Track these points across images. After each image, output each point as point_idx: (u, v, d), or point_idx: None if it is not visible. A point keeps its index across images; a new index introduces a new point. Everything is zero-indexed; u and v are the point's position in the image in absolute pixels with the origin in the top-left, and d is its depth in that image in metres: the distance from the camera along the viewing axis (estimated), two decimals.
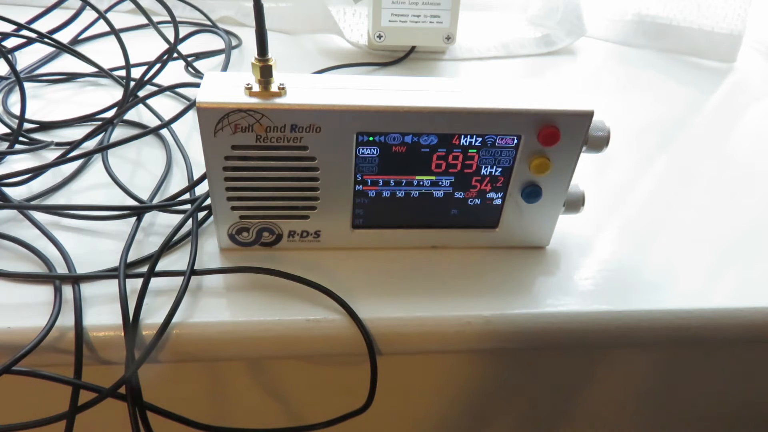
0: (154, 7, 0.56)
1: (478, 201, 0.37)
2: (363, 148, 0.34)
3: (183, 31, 0.60)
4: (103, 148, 0.42)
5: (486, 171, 0.35)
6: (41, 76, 0.57)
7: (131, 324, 0.32)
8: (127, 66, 0.49)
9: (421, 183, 0.36)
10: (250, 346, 0.34)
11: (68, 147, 0.43)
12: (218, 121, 0.31)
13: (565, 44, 0.73)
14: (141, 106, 0.53)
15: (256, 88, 0.31)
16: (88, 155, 0.44)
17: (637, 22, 0.75)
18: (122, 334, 0.32)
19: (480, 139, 0.34)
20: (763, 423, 0.51)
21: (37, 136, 0.48)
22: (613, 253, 0.40)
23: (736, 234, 0.43)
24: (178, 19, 0.53)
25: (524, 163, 0.35)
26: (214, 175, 0.34)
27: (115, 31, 0.51)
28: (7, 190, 0.41)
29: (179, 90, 0.55)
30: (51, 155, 0.45)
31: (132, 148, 0.47)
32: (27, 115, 0.47)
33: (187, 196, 0.41)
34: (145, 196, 0.42)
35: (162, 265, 0.36)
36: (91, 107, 0.51)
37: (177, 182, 0.44)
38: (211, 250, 0.38)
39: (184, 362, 0.35)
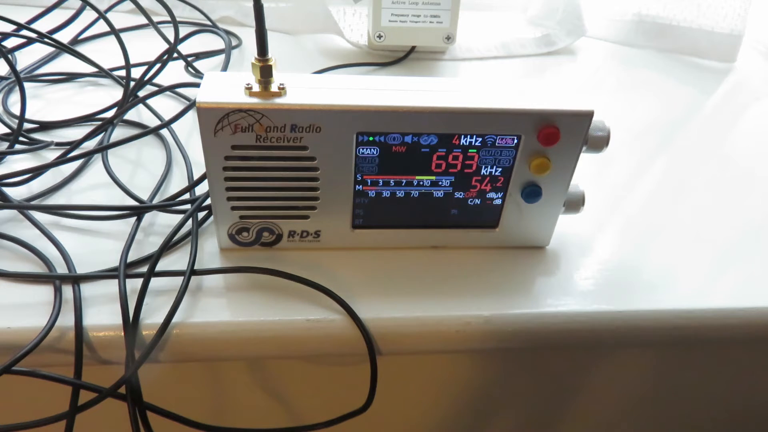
0: (154, 7, 0.56)
1: (478, 201, 0.37)
2: (363, 148, 0.34)
3: (183, 31, 0.60)
4: (103, 148, 0.42)
5: (486, 171, 0.35)
6: (41, 76, 0.57)
7: (131, 324, 0.32)
8: (127, 66, 0.49)
9: (421, 183, 0.36)
10: (250, 346, 0.34)
11: (68, 147, 0.43)
12: (218, 121, 0.31)
13: (565, 44, 0.73)
14: (141, 106, 0.53)
15: (256, 88, 0.31)
16: (88, 155, 0.44)
17: (637, 22, 0.75)
18: (122, 334, 0.32)
19: (480, 139, 0.34)
20: (763, 423, 0.51)
21: (37, 136, 0.48)
22: (613, 253, 0.40)
23: (736, 234, 0.43)
24: (178, 19, 0.53)
25: (524, 163, 0.35)
26: (214, 175, 0.34)
27: (115, 31, 0.51)
28: (7, 190, 0.41)
29: (179, 90, 0.55)
30: (51, 155, 0.45)
31: (132, 148, 0.47)
32: (27, 115, 0.47)
33: (187, 196, 0.41)
34: (145, 196, 0.42)
35: (162, 265, 0.36)
36: (91, 107, 0.51)
37: (177, 182, 0.44)
38: (211, 250, 0.38)
39: (184, 362, 0.35)
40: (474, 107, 0.33)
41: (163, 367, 0.34)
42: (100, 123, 0.46)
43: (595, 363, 0.43)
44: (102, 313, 0.33)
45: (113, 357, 0.32)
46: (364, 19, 0.70)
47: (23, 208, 0.39)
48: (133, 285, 0.34)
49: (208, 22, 0.66)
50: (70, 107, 0.52)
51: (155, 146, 0.48)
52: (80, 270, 0.35)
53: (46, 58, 0.59)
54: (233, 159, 0.33)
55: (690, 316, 0.36)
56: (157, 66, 0.52)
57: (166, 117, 0.51)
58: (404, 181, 0.36)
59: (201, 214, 0.39)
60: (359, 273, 0.37)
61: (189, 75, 0.59)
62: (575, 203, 0.38)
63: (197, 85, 0.54)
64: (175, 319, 0.32)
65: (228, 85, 0.32)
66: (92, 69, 0.55)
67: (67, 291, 0.34)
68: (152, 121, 0.51)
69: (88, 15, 0.55)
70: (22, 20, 0.47)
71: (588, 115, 0.33)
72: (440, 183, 0.36)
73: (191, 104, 0.40)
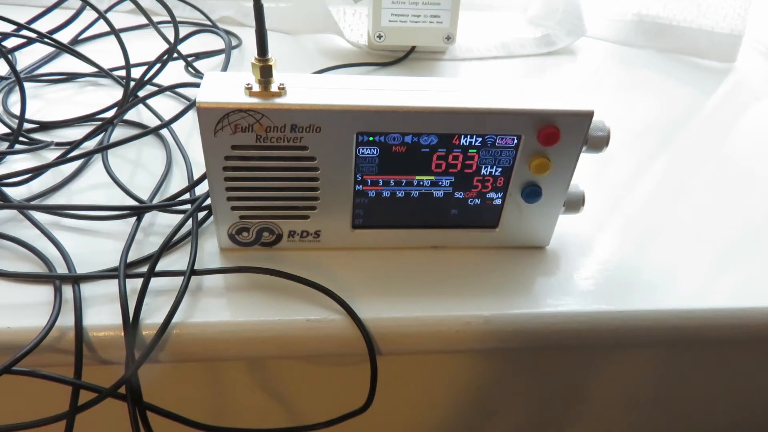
0: (154, 7, 0.56)
1: (478, 201, 0.37)
2: (363, 148, 0.34)
3: (183, 31, 0.60)
4: (103, 148, 0.42)
5: (486, 171, 0.35)
6: (41, 76, 0.57)
7: (131, 324, 0.32)
8: (127, 66, 0.49)
9: (421, 183, 0.36)
10: (250, 346, 0.34)
11: (68, 147, 0.43)
12: (218, 121, 0.31)
13: (565, 44, 0.73)
14: (141, 106, 0.53)
15: (256, 88, 0.31)
16: (88, 155, 0.44)
17: (637, 22, 0.75)
18: (122, 334, 0.32)
19: (480, 139, 0.34)
20: (763, 423, 0.51)
21: (37, 136, 0.48)
22: (613, 253, 0.40)
23: (736, 234, 0.43)
24: (178, 19, 0.53)
25: (524, 163, 0.35)
26: (214, 175, 0.34)
27: (115, 31, 0.51)
28: (7, 190, 0.41)
29: (179, 90, 0.55)
30: (51, 155, 0.45)
31: (132, 148, 0.47)
32: (27, 115, 0.47)
33: (187, 196, 0.41)
34: (145, 196, 0.42)
35: (162, 265, 0.36)
36: (91, 107, 0.51)
37: (177, 182, 0.44)
38: (211, 250, 0.38)
39: (184, 362, 0.35)
40: (474, 107, 0.33)
41: (163, 367, 0.34)
42: (100, 123, 0.46)
43: (596, 363, 0.43)
44: (102, 313, 0.33)
45: (113, 357, 0.32)
46: (364, 19, 0.70)
47: (23, 208, 0.39)
48: (133, 285, 0.34)
49: (208, 22, 0.66)
50: (70, 107, 0.52)
51: (155, 146, 0.48)
52: (80, 270, 0.35)
53: (46, 58, 0.59)
54: (233, 159, 0.33)
55: (690, 316, 0.36)
56: (157, 66, 0.52)
57: (166, 117, 0.51)
58: (404, 181, 0.36)
59: (201, 214, 0.39)
60: (359, 273, 0.37)
61: (189, 75, 0.59)
62: (575, 203, 0.38)
63: (197, 85, 0.54)
64: (175, 319, 0.32)
65: (228, 85, 0.32)
66: (92, 69, 0.55)
67: (67, 291, 0.34)
68: (152, 121, 0.51)
69: (88, 15, 0.55)
70: (22, 20, 0.47)
71: (588, 115, 0.33)
72: (440, 183, 0.36)
73: (191, 104, 0.40)
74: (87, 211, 0.39)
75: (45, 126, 0.49)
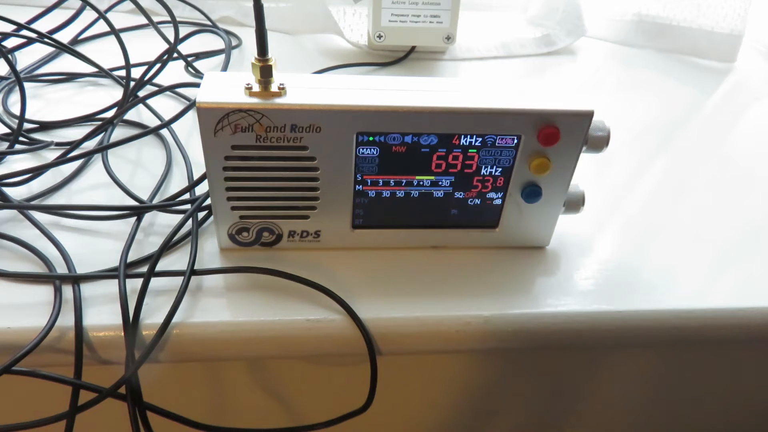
0: (154, 7, 0.56)
1: (478, 201, 0.37)
2: (363, 148, 0.34)
3: (183, 31, 0.60)
4: (103, 148, 0.42)
5: (486, 171, 0.35)
6: (41, 76, 0.57)
7: (131, 324, 0.32)
8: (127, 66, 0.49)
9: (421, 183, 0.36)
10: (250, 346, 0.34)
11: (68, 147, 0.43)
12: (218, 121, 0.31)
13: (565, 44, 0.73)
14: (141, 106, 0.53)
15: (256, 88, 0.31)
16: (88, 155, 0.44)
17: (637, 22, 0.75)
18: (122, 334, 0.32)
19: (480, 139, 0.34)
20: (763, 423, 0.51)
21: (37, 136, 0.48)
22: (613, 253, 0.40)
23: (736, 234, 0.43)
24: (178, 19, 0.53)
25: (524, 163, 0.35)
26: (214, 175, 0.34)
27: (115, 31, 0.51)
28: (7, 190, 0.41)
29: (179, 90, 0.55)
30: (51, 155, 0.45)
31: (132, 148, 0.47)
32: (27, 115, 0.47)
33: (187, 196, 0.41)
34: (145, 196, 0.42)
35: (162, 265, 0.36)
36: (91, 107, 0.51)
37: (177, 182, 0.44)
38: (211, 250, 0.38)
39: (184, 362, 0.35)
40: (474, 107, 0.33)
41: (163, 367, 0.34)
42: (100, 123, 0.46)
43: (596, 363, 0.43)
44: (102, 313, 0.33)
45: (113, 357, 0.32)
46: (364, 19, 0.70)
47: (23, 208, 0.39)
48: (133, 285, 0.34)
49: (208, 22, 0.66)
50: (70, 107, 0.52)
51: (155, 146, 0.48)
52: (80, 270, 0.35)
53: (46, 58, 0.59)
54: (233, 159, 0.33)
55: (690, 316, 0.36)
56: (157, 66, 0.52)
57: (166, 117, 0.51)
58: (404, 181, 0.36)
59: (201, 214, 0.39)
60: (359, 273, 0.37)
61: (189, 75, 0.59)
62: (575, 203, 0.38)
63: (197, 85, 0.54)
64: (175, 319, 0.32)
65: (228, 85, 0.32)
66: (92, 69, 0.55)
67: (67, 291, 0.34)
68: (152, 121, 0.51)
69: (88, 15, 0.55)
70: (22, 20, 0.47)
71: (588, 115, 0.33)
72: (440, 183, 0.36)
73: (191, 104, 0.40)
74: (87, 211, 0.39)
75: (45, 126, 0.49)
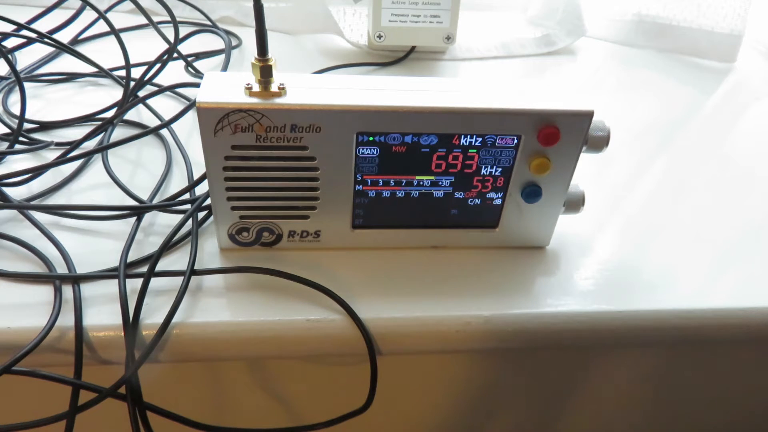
0: (154, 7, 0.56)
1: (478, 201, 0.37)
2: (363, 148, 0.34)
3: (183, 31, 0.60)
4: (103, 148, 0.42)
5: (486, 171, 0.35)
6: (41, 76, 0.57)
7: (131, 324, 0.32)
8: (127, 66, 0.49)
9: (421, 183, 0.36)
10: (250, 346, 0.34)
11: (68, 147, 0.43)
12: (218, 121, 0.31)
13: (565, 44, 0.73)
14: (141, 106, 0.53)
15: (256, 88, 0.31)
16: (88, 155, 0.44)
17: (637, 22, 0.75)
18: (122, 334, 0.32)
19: (480, 139, 0.34)
20: (764, 423, 0.51)
21: (37, 136, 0.48)
22: (613, 253, 0.40)
23: (736, 234, 0.43)
24: (178, 19, 0.53)
25: (524, 163, 0.35)
26: (214, 175, 0.34)
27: (115, 31, 0.51)
28: (7, 190, 0.41)
29: (179, 90, 0.55)
30: (51, 155, 0.45)
31: (132, 148, 0.47)
32: (27, 115, 0.47)
33: (187, 196, 0.41)
34: (145, 196, 0.42)
35: (162, 265, 0.36)
36: (91, 107, 0.51)
37: (177, 182, 0.44)
38: (211, 250, 0.38)
39: (184, 362, 0.35)
40: (474, 107, 0.33)
41: (163, 367, 0.34)
42: (100, 123, 0.46)
43: (596, 363, 0.43)
44: (102, 313, 0.33)
45: (113, 357, 0.32)
46: (364, 19, 0.70)
47: (23, 208, 0.39)
48: (133, 285, 0.34)
49: (208, 22, 0.66)
50: (70, 107, 0.52)
51: (155, 146, 0.48)
52: (80, 270, 0.35)
53: (46, 58, 0.59)
54: (233, 159, 0.33)
55: (690, 316, 0.36)
56: (157, 66, 0.52)
57: (166, 117, 0.51)
58: (404, 181, 0.36)
59: (201, 214, 0.39)
60: (359, 273, 0.37)
61: (189, 75, 0.59)
62: (575, 203, 0.38)
63: (197, 85, 0.54)
64: (175, 319, 0.32)
65: (228, 85, 0.32)
66: (92, 69, 0.55)
67: (67, 291, 0.34)
68: (152, 121, 0.51)
69: (88, 15, 0.55)
70: (22, 20, 0.47)
71: (588, 115, 0.33)
72: (440, 183, 0.36)
73: (191, 104, 0.40)
74: (87, 211, 0.39)
75: (45, 126, 0.49)
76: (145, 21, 0.53)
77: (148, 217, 0.40)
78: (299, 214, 0.36)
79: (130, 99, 0.50)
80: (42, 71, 0.57)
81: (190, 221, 0.38)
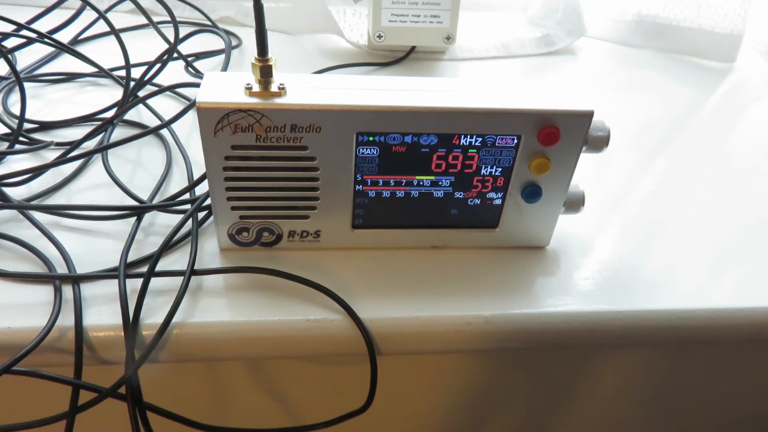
0: (154, 7, 0.56)
1: (478, 201, 0.37)
2: (363, 148, 0.34)
3: (183, 31, 0.60)
4: (103, 148, 0.42)
5: (486, 171, 0.35)
6: (41, 76, 0.57)
7: (131, 324, 0.32)
8: (127, 66, 0.49)
9: (421, 183, 0.36)
10: (250, 346, 0.34)
11: (68, 147, 0.43)
12: (218, 121, 0.31)
13: (565, 44, 0.73)
14: (141, 106, 0.53)
15: (256, 88, 0.31)
16: (88, 155, 0.44)
17: (637, 22, 0.75)
18: (122, 334, 0.32)
19: (480, 139, 0.34)
20: (764, 423, 0.51)
21: (37, 136, 0.48)
22: (613, 253, 0.40)
23: (736, 234, 0.43)
24: (178, 19, 0.53)
25: (524, 163, 0.35)
26: (214, 175, 0.34)
27: (115, 31, 0.51)
28: (7, 190, 0.41)
29: (179, 90, 0.55)
30: (51, 155, 0.45)
31: (132, 148, 0.47)
32: (27, 115, 0.47)
33: (187, 196, 0.41)
34: (145, 196, 0.42)
35: (162, 265, 0.36)
36: (91, 107, 0.51)
37: (177, 182, 0.44)
38: (211, 250, 0.38)
39: (184, 362, 0.35)
40: (474, 107, 0.33)
41: (163, 367, 0.34)
42: (100, 123, 0.46)
43: (595, 363, 0.43)
44: (102, 313, 0.33)
45: (113, 357, 0.32)
46: (364, 19, 0.70)
47: (23, 208, 0.39)
48: (133, 285, 0.34)
49: (208, 22, 0.66)
50: (70, 107, 0.52)
51: (155, 146, 0.48)
52: (80, 270, 0.35)
53: (46, 58, 0.59)
54: (233, 159, 0.33)
55: (690, 316, 0.36)
56: (157, 66, 0.52)
57: (166, 117, 0.51)
58: (404, 181, 0.36)
59: (201, 214, 0.39)
60: (359, 273, 0.37)
61: (189, 75, 0.59)
62: (575, 203, 0.38)
63: (197, 85, 0.54)
64: (175, 319, 0.32)
65: (228, 85, 0.32)
66: (92, 69, 0.55)
67: (67, 291, 0.34)
68: (152, 121, 0.51)
69: (88, 15, 0.55)
70: (22, 20, 0.47)
71: (588, 115, 0.33)
72: (440, 183, 0.36)
73: (191, 104, 0.40)
74: (87, 211, 0.39)
75: (45, 126, 0.49)
76: (145, 21, 0.53)
77: (148, 217, 0.40)
78: (299, 214, 0.36)
79: (130, 99, 0.50)
80: (42, 71, 0.57)
81: (190, 221, 0.38)
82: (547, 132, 0.33)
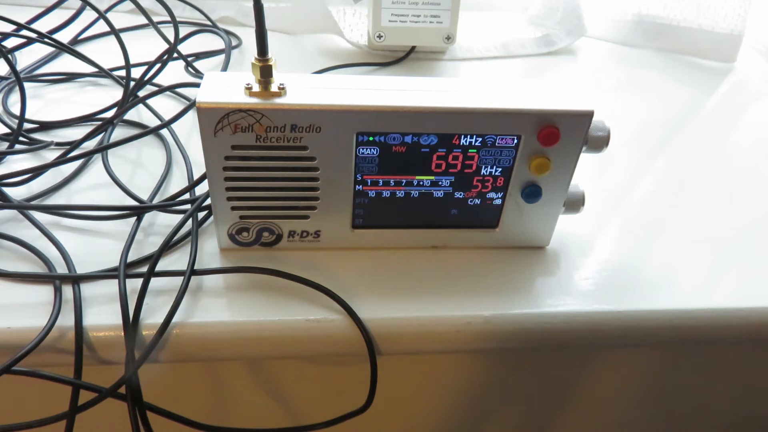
0: (154, 7, 0.56)
1: (478, 201, 0.37)
2: (363, 148, 0.34)
3: (183, 31, 0.60)
4: (103, 148, 0.42)
5: (486, 171, 0.35)
6: (41, 76, 0.57)
7: (131, 324, 0.32)
8: (127, 66, 0.49)
9: (421, 183, 0.36)
10: (250, 346, 0.34)
11: (68, 147, 0.43)
12: (218, 121, 0.31)
13: (565, 44, 0.73)
14: (141, 106, 0.53)
15: (256, 88, 0.31)
16: (88, 155, 0.44)
17: (637, 22, 0.75)
18: (122, 334, 0.32)
19: (480, 139, 0.34)
20: (763, 423, 0.51)
21: (37, 136, 0.48)
22: (613, 253, 0.40)
23: (736, 234, 0.43)
24: (178, 19, 0.53)
25: (524, 163, 0.35)
26: (214, 175, 0.34)
27: (115, 31, 0.51)
28: (7, 190, 0.41)
29: (179, 90, 0.55)
30: (51, 155, 0.45)
31: (132, 148, 0.47)
32: (27, 115, 0.47)
33: (187, 196, 0.41)
34: (145, 196, 0.42)
35: (162, 265, 0.36)
36: (91, 107, 0.51)
37: (177, 182, 0.44)
38: (211, 250, 0.38)
39: (184, 362, 0.35)
40: (474, 107, 0.33)
41: (163, 367, 0.34)
42: (100, 123, 0.46)
43: (595, 363, 0.43)
44: (102, 313, 0.33)
45: (113, 357, 0.32)
46: (364, 19, 0.70)
47: (23, 208, 0.39)
48: (133, 285, 0.34)
49: (208, 22, 0.66)
50: (70, 107, 0.52)
51: (155, 146, 0.48)
52: (80, 270, 0.35)
53: (46, 58, 0.59)
54: (233, 159, 0.33)
55: (690, 316, 0.36)
56: (157, 66, 0.52)
57: (166, 117, 0.51)
58: (404, 181, 0.36)
59: (201, 214, 0.39)
60: (359, 273, 0.37)
61: (189, 75, 0.59)
62: (575, 203, 0.38)
63: (197, 85, 0.54)
64: (175, 319, 0.32)
65: (228, 85, 0.32)
66: (92, 69, 0.55)
67: (67, 291, 0.34)
68: (152, 121, 0.51)
69: (88, 15, 0.55)
70: (22, 20, 0.47)
71: (588, 115, 0.33)
72: (440, 183, 0.36)
73: (191, 104, 0.40)
74: (87, 211, 0.39)
75: (45, 126, 0.49)
76: (145, 21, 0.53)
77: (148, 217, 0.40)
78: (299, 214, 0.36)
79: (130, 99, 0.50)
80: (42, 71, 0.57)
81: (190, 221, 0.38)
82: (547, 132, 0.33)
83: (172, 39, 0.52)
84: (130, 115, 0.52)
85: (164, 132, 0.49)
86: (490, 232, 0.38)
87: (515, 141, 0.34)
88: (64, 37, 0.59)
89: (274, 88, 0.32)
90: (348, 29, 0.70)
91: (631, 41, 0.76)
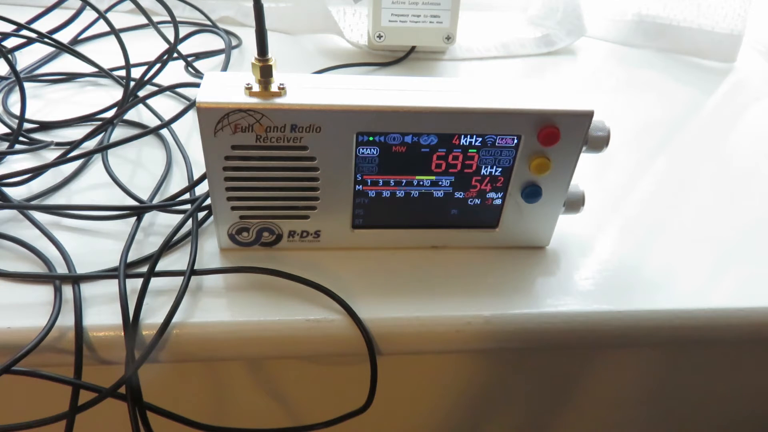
0: (154, 7, 0.56)
1: (478, 201, 0.37)
2: (363, 148, 0.34)
3: (183, 31, 0.60)
4: (103, 148, 0.42)
5: (486, 171, 0.35)
6: (41, 76, 0.57)
7: (131, 324, 0.32)
8: (127, 66, 0.49)
9: (421, 183, 0.36)
10: (250, 346, 0.34)
11: (68, 147, 0.43)
12: (218, 121, 0.31)
13: (565, 44, 0.73)
14: (141, 106, 0.53)
15: (256, 88, 0.31)
16: (88, 155, 0.44)
17: (637, 22, 0.75)
18: (122, 334, 0.32)
19: (480, 139, 0.34)
20: (763, 423, 0.51)
21: (37, 136, 0.48)
22: (613, 253, 0.40)
23: (736, 234, 0.43)
24: (178, 19, 0.53)
25: (524, 163, 0.35)
26: (214, 175, 0.34)
27: (115, 31, 0.51)
28: (7, 190, 0.41)
29: (179, 90, 0.55)
30: (51, 155, 0.45)
31: (132, 148, 0.47)
32: (27, 115, 0.47)
33: (187, 196, 0.41)
34: (145, 196, 0.42)
35: (162, 265, 0.36)
36: (91, 107, 0.51)
37: (177, 182, 0.44)
38: (211, 250, 0.38)
39: (184, 362, 0.35)
40: (474, 107, 0.33)
41: (163, 367, 0.34)
42: (100, 123, 0.46)
43: (595, 363, 0.43)
44: (102, 313, 0.33)
45: (113, 357, 0.32)
46: (364, 19, 0.70)
47: (23, 208, 0.39)
48: (133, 285, 0.34)
49: (208, 22, 0.66)
50: (70, 107, 0.52)
51: (155, 146, 0.48)
52: (80, 270, 0.35)
53: (46, 58, 0.59)
54: (233, 159, 0.33)
55: (690, 316, 0.36)
56: (157, 66, 0.52)
57: (166, 117, 0.51)
58: (404, 181, 0.36)
59: (201, 214, 0.39)
60: (359, 273, 0.37)
61: (189, 75, 0.59)
62: (575, 203, 0.38)
63: (197, 85, 0.54)
64: (175, 319, 0.32)
65: (228, 85, 0.32)
66: (92, 69, 0.55)
67: (67, 291, 0.34)
68: (152, 121, 0.51)
69: (88, 15, 0.55)
70: (22, 20, 0.47)
71: (588, 115, 0.33)
72: (440, 183, 0.36)
73: (191, 104, 0.40)
74: (87, 211, 0.39)
75: (45, 126, 0.49)
76: (145, 21, 0.53)
77: (148, 217, 0.40)
78: (299, 214, 0.36)
79: (130, 99, 0.50)
80: (42, 71, 0.57)
81: (190, 221, 0.38)
82: (547, 132, 0.33)
83: (172, 39, 0.52)
84: (130, 115, 0.52)
85: (164, 132, 0.49)
86: (490, 232, 0.38)
87: (515, 141, 0.34)
88: (64, 37, 0.59)
89: (274, 88, 0.32)
90: (348, 29, 0.70)
91: (631, 41, 0.76)
